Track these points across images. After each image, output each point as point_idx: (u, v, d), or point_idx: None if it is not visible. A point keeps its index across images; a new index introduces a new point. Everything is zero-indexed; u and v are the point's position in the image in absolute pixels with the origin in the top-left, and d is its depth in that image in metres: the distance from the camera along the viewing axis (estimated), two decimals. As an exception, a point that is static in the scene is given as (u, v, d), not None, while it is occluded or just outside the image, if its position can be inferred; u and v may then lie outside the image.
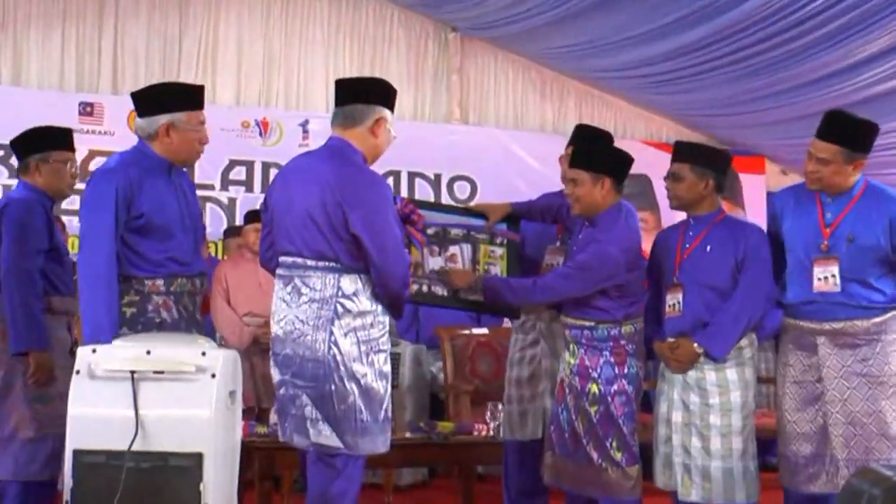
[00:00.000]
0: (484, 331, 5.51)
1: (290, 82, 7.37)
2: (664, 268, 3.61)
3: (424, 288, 3.65)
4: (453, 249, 3.78)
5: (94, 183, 3.03)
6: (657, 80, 7.14)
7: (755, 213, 7.61)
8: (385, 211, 3.11)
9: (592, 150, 3.66)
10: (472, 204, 4.28)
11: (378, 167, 3.32)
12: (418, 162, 7.42)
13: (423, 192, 7.47)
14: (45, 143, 3.74)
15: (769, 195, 3.78)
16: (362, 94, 3.23)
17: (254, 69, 7.26)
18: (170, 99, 3.10)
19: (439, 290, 3.69)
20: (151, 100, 3.11)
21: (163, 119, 3.07)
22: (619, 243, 3.53)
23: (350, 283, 3.09)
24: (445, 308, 3.85)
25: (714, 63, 6.45)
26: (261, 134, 7.04)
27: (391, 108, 3.29)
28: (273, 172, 6.87)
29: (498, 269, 3.82)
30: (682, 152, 3.59)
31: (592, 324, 3.56)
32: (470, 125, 7.82)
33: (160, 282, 3.03)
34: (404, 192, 7.40)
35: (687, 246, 3.55)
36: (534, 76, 8.03)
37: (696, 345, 3.45)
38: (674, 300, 3.51)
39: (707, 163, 3.54)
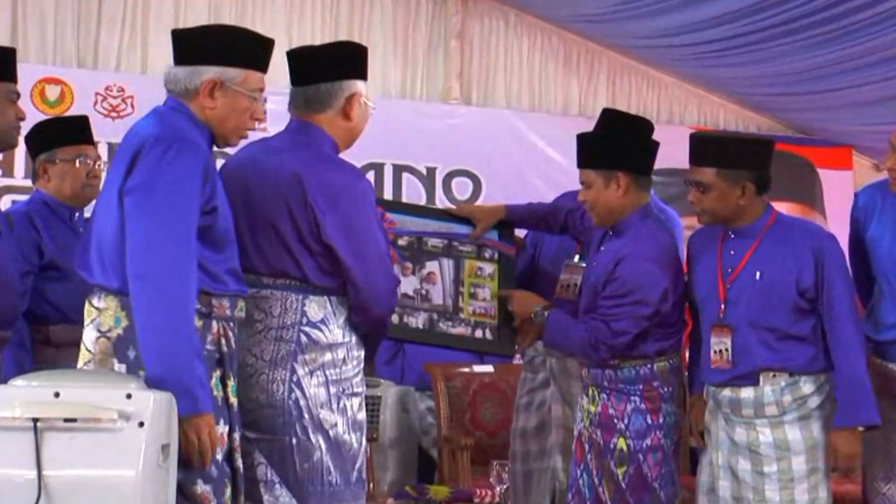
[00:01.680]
0: (488, 369, 5.52)
1: (243, 49, 7.42)
2: (702, 296, 3.59)
3: (396, 318, 3.64)
4: (431, 266, 3.80)
5: (169, 154, 2.75)
6: (712, 50, 7.18)
7: (840, 220, 7.62)
8: (367, 214, 3.13)
9: (597, 142, 3.69)
10: (463, 206, 4.28)
11: (356, 158, 3.33)
12: (406, 152, 7.46)
13: (413, 191, 7.52)
14: (48, 138, 3.82)
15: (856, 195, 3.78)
16: (326, 69, 3.22)
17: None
18: (225, 46, 2.93)
19: (413, 321, 3.73)
20: (198, 42, 2.94)
21: (209, 72, 2.90)
22: (655, 258, 3.56)
23: (318, 307, 3.11)
24: (422, 345, 3.90)
25: (785, 27, 6.46)
26: (205, 113, 7.07)
27: (364, 75, 3.28)
28: (220, 164, 6.90)
29: (487, 293, 3.84)
30: (702, 152, 3.52)
31: (617, 361, 3.58)
32: (473, 106, 7.87)
33: (226, 303, 2.91)
34: (389, 191, 7.45)
35: (730, 271, 3.52)
36: (555, 44, 8.08)
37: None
38: (720, 345, 3.49)
39: (740, 161, 3.48)
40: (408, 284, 3.75)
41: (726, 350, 3.46)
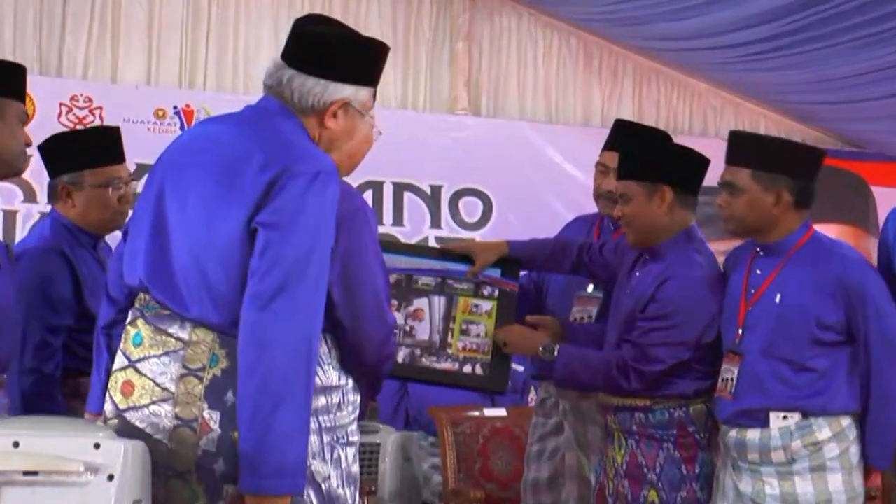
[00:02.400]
0: (500, 412, 5.51)
1: (224, 54, 7.47)
2: (725, 319, 3.60)
3: None
4: (419, 303, 3.87)
5: (316, 186, 2.70)
6: (752, 52, 7.18)
7: None
8: (368, 241, 3.09)
9: (643, 151, 3.72)
10: (460, 243, 4.35)
11: (351, 176, 3.29)
12: (408, 169, 7.49)
13: (416, 212, 7.54)
14: (74, 156, 3.72)
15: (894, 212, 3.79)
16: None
17: (172, 34, 7.34)
18: (364, 61, 2.90)
19: (397, 356, 3.76)
20: (336, 52, 2.90)
21: (344, 91, 2.86)
22: (705, 280, 3.58)
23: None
24: (403, 381, 3.93)
25: (835, 25, 6.45)
26: (182, 127, 7.08)
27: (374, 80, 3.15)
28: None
29: (482, 329, 3.90)
30: (738, 150, 3.55)
31: (648, 403, 3.59)
32: (482, 116, 7.90)
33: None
34: (389, 211, 7.49)
35: (752, 292, 3.53)
36: (574, 46, 8.11)
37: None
38: (728, 373, 3.50)
39: (778, 164, 3.49)
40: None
41: (731, 380, 3.48)
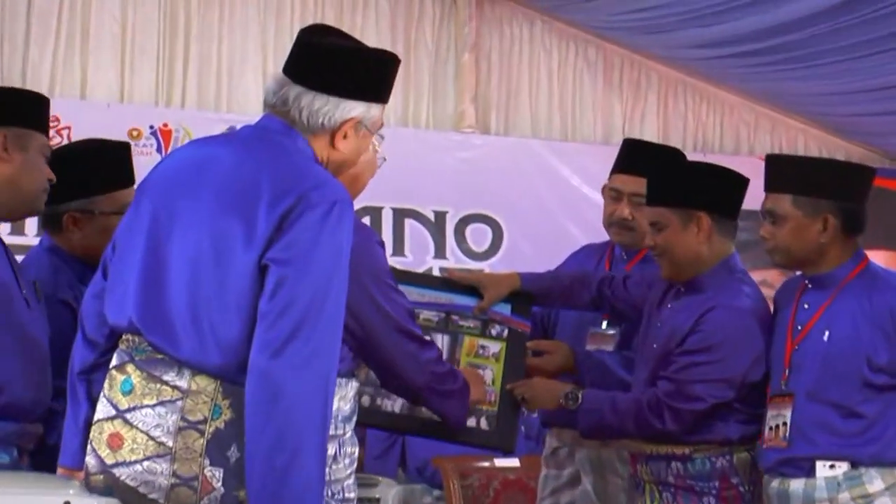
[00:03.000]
0: (513, 462, 5.50)
1: (206, 68, 7.46)
2: (772, 358, 3.59)
3: (367, 400, 3.70)
4: None
5: (332, 219, 2.72)
6: (789, 60, 7.17)
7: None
8: (382, 273, 3.19)
9: (676, 173, 3.73)
10: (467, 274, 4.35)
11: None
12: (409, 193, 7.49)
13: (418, 240, 7.53)
14: (88, 179, 3.57)
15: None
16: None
17: (147, 47, 7.33)
18: (376, 75, 2.94)
19: (389, 405, 3.75)
20: (348, 66, 2.91)
21: (356, 109, 2.89)
22: (753, 311, 3.58)
23: None
24: (398, 433, 3.86)
25: (878, 31, 6.43)
26: (159, 148, 7.08)
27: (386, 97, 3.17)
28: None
29: (489, 375, 3.86)
30: (776, 175, 3.56)
31: (688, 450, 3.57)
32: (491, 134, 7.89)
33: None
34: (388, 240, 7.40)
35: (800, 329, 3.52)
36: (593, 57, 8.11)
37: None
38: (777, 419, 3.48)
39: (821, 187, 3.49)
40: None
41: (784, 425, 3.46)
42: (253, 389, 2.60)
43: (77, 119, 6.83)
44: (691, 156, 7.62)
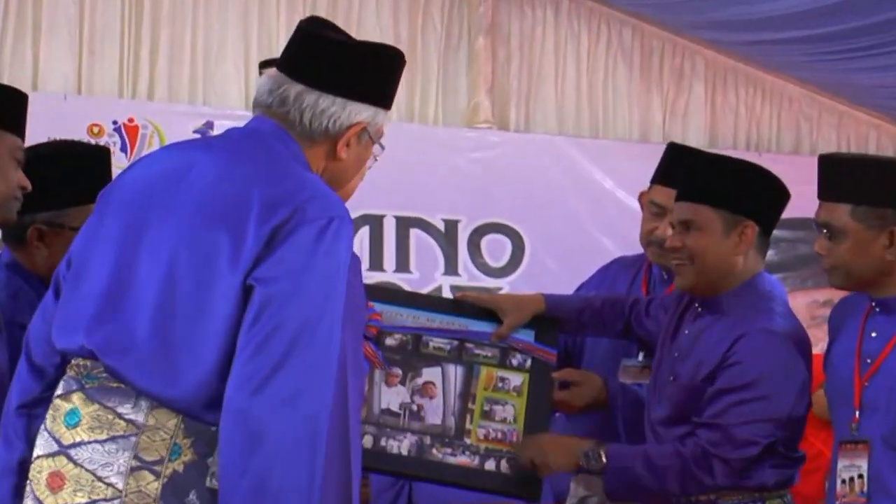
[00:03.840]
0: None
1: (179, 55, 7.45)
2: (833, 397, 3.60)
3: (369, 441, 3.75)
4: (430, 374, 3.88)
5: (328, 236, 2.76)
6: (859, 48, 7.14)
7: None
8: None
9: (726, 169, 3.73)
10: (484, 295, 4.38)
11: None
12: (416, 199, 7.50)
13: (426, 254, 7.52)
14: (61, 189, 3.57)
15: None
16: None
17: (109, 31, 7.31)
18: (383, 74, 3.02)
19: (395, 446, 3.79)
20: (355, 62, 2.96)
21: (364, 113, 2.95)
22: (790, 336, 3.59)
23: None
24: (407, 478, 4.00)
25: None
26: (124, 147, 7.08)
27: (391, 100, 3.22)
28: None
29: (510, 412, 3.90)
30: (831, 180, 3.53)
31: (713, 496, 3.61)
32: (510, 131, 7.89)
33: None
34: (391, 254, 7.46)
35: (869, 362, 3.49)
36: (629, 41, 8.10)
37: None
38: (851, 471, 3.45)
39: (885, 195, 3.47)
40: (393, 397, 3.85)
41: (860, 478, 3.44)
42: (229, 431, 2.61)
43: (29, 114, 6.79)
44: (745, 155, 7.70)
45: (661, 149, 6.80)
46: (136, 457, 2.69)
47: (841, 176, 3.53)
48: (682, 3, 7.50)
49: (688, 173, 3.77)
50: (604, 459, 3.66)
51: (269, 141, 2.87)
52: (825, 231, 3.50)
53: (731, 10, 7.25)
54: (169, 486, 2.67)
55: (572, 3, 7.99)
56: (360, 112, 2.92)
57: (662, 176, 4.20)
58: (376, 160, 3.24)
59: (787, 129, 8.26)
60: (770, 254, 7.20)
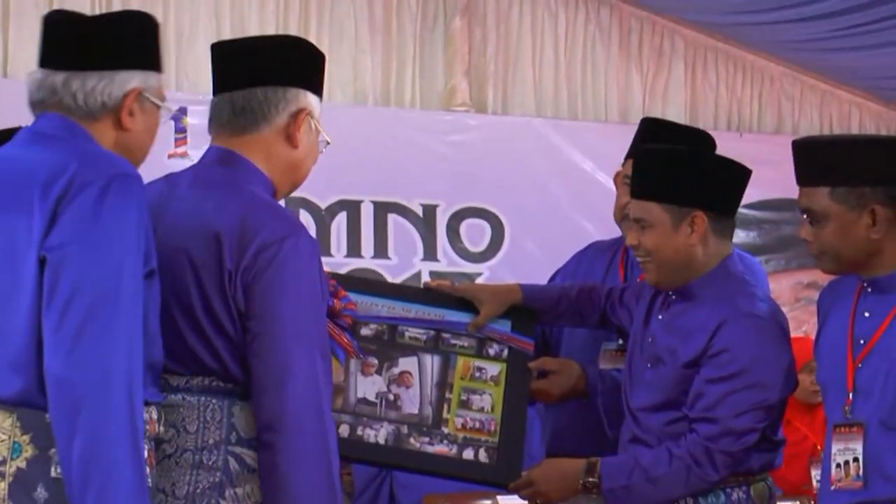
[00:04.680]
0: (513, 499, 5.47)
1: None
2: (825, 380, 3.57)
3: (345, 430, 3.79)
4: (406, 364, 3.89)
5: (114, 193, 2.84)
6: (844, 27, 7.15)
7: None
8: (299, 286, 3.17)
9: (666, 163, 3.71)
10: (460, 285, 4.41)
11: (320, 194, 3.27)
12: (393, 184, 7.48)
13: (404, 239, 7.51)
14: None
15: None
16: (265, 68, 3.30)
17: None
18: (144, 36, 3.07)
19: (372, 435, 3.82)
20: (109, 31, 3.03)
21: (133, 79, 3.01)
22: (770, 318, 3.61)
23: (251, 417, 3.14)
24: (384, 467, 3.91)
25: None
26: (97, 136, 7.07)
27: (318, 88, 3.36)
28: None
29: (487, 401, 3.91)
30: (808, 164, 3.51)
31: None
32: (488, 114, 7.89)
33: (155, 415, 3.02)
34: (368, 240, 7.45)
35: (862, 343, 3.46)
36: (607, 20, 8.10)
37: None
38: (846, 454, 3.42)
39: (862, 173, 3.43)
40: (369, 387, 3.87)
41: (855, 461, 3.41)
42: (53, 402, 2.68)
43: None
44: (725, 136, 7.68)
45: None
46: None
47: (816, 159, 3.50)
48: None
49: (634, 170, 3.77)
50: (599, 478, 3.67)
51: (53, 130, 2.92)
52: (808, 216, 3.48)
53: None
54: (15, 484, 2.73)
55: (553, -16, 8.00)
56: (130, 79, 2.97)
57: (636, 150, 4.21)
58: (329, 143, 3.38)
59: (769, 109, 8.27)
60: (753, 235, 7.28)
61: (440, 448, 3.84)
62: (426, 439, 3.84)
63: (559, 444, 4.18)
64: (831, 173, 3.44)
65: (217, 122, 3.31)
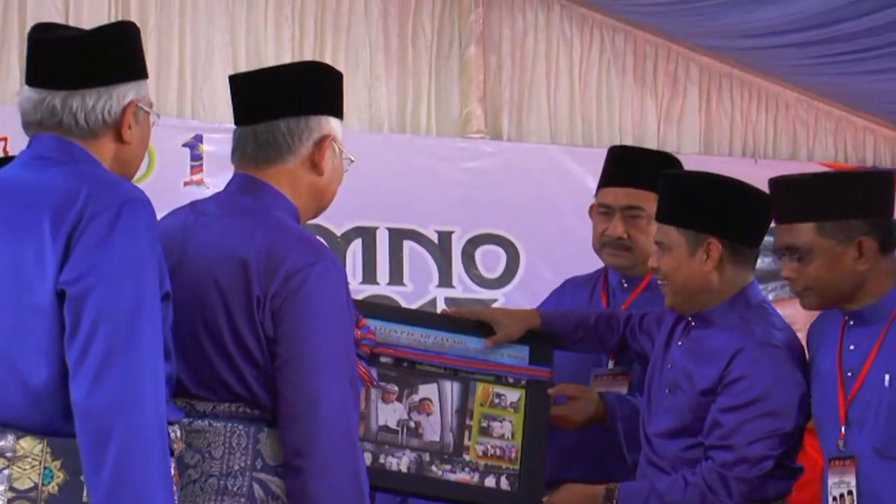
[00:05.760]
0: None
1: (166, 67, 7.46)
2: (818, 414, 3.60)
3: (368, 458, 3.78)
4: (426, 391, 3.91)
5: (125, 220, 2.88)
6: (857, 50, 7.12)
7: None
8: (327, 313, 3.21)
9: (685, 186, 3.76)
10: (479, 308, 4.40)
11: (335, 221, 3.29)
12: (408, 210, 7.49)
13: (419, 265, 7.51)
14: None
15: None
16: (286, 99, 3.34)
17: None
18: (129, 44, 3.11)
19: (394, 463, 3.84)
20: (91, 46, 3.05)
21: (128, 92, 3.06)
22: (786, 346, 3.62)
23: (277, 444, 3.16)
24: (407, 496, 3.98)
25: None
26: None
27: (339, 111, 3.42)
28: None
29: (508, 428, 3.93)
30: (788, 201, 3.53)
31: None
32: (503, 140, 7.89)
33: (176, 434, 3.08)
34: (384, 266, 7.44)
35: (850, 376, 3.50)
36: (622, 47, 8.09)
37: None
38: (842, 486, 3.45)
39: (848, 205, 3.47)
40: (390, 414, 3.92)
41: (849, 494, 3.44)
42: (81, 433, 2.73)
43: (15, 129, 6.75)
44: (740, 162, 7.72)
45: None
46: (11, 488, 2.78)
47: (799, 196, 3.52)
48: (676, 11, 7.48)
49: (659, 195, 3.80)
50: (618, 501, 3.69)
51: (52, 154, 2.94)
52: (791, 254, 3.50)
53: (728, 19, 7.24)
54: None
55: (564, 10, 7.97)
56: (127, 93, 3.01)
57: (606, 178, 4.27)
58: (353, 162, 3.44)
59: (784, 135, 8.24)
60: (768, 262, 7.24)
61: (462, 476, 3.86)
62: (448, 467, 3.86)
63: (561, 468, 4.16)
64: (817, 208, 3.47)
65: (241, 153, 3.36)
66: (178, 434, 2.97)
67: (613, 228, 4.15)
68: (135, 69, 3.07)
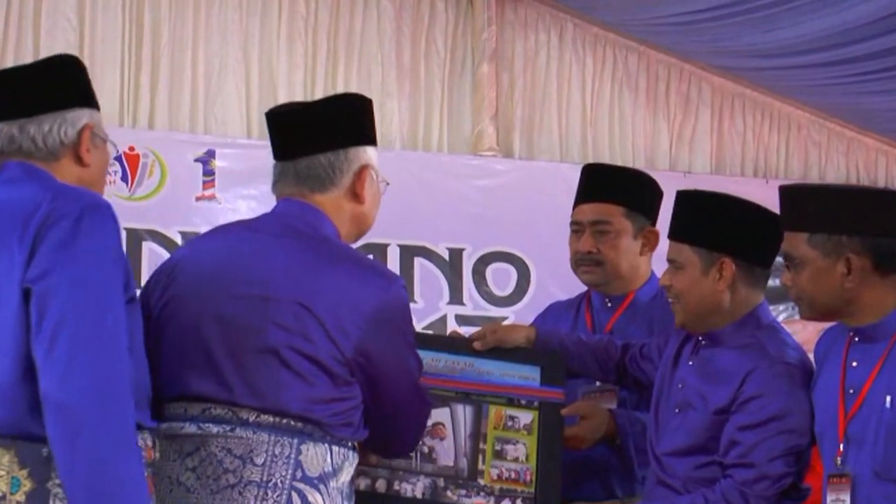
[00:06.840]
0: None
1: (179, 81, 7.47)
2: (819, 430, 3.57)
3: (382, 485, 3.79)
4: (439, 415, 3.88)
5: (87, 224, 2.92)
6: (868, 72, 7.15)
7: None
8: (408, 333, 3.38)
9: (701, 205, 3.75)
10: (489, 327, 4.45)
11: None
12: (420, 228, 7.51)
13: (430, 283, 7.53)
14: None
15: None
16: (324, 134, 3.38)
17: (109, 59, 7.34)
18: (81, 77, 3.19)
19: (409, 489, 3.81)
20: (63, 75, 3.16)
21: (84, 117, 3.12)
22: (798, 365, 3.61)
23: (319, 457, 3.20)
24: None
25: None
26: (125, 176, 7.11)
27: (373, 137, 3.47)
28: (152, 253, 6.96)
29: (522, 451, 3.91)
30: (789, 211, 3.53)
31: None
32: (515, 158, 7.90)
33: (150, 441, 3.08)
34: (394, 283, 7.42)
35: (852, 393, 3.46)
36: (635, 66, 8.12)
37: None
38: None
39: (841, 221, 3.44)
40: None
41: None
42: (51, 427, 2.74)
43: (28, 143, 6.83)
44: (752, 182, 7.73)
45: (668, 176, 6.85)
46: None
47: (798, 205, 3.52)
48: (689, 31, 7.51)
49: (673, 212, 3.79)
50: None
51: (18, 175, 3.00)
52: (788, 261, 3.50)
53: (741, 40, 7.27)
54: None
55: (577, 29, 8.00)
56: (81, 117, 3.07)
57: (578, 197, 4.28)
58: (388, 184, 3.48)
59: (796, 156, 8.25)
60: (779, 283, 7.24)
61: (478, 500, 3.82)
62: (463, 492, 3.83)
63: (566, 488, 4.10)
64: (811, 219, 3.46)
65: (283, 184, 3.39)
66: (150, 443, 3.00)
67: (583, 244, 4.16)
68: (86, 97, 3.14)
